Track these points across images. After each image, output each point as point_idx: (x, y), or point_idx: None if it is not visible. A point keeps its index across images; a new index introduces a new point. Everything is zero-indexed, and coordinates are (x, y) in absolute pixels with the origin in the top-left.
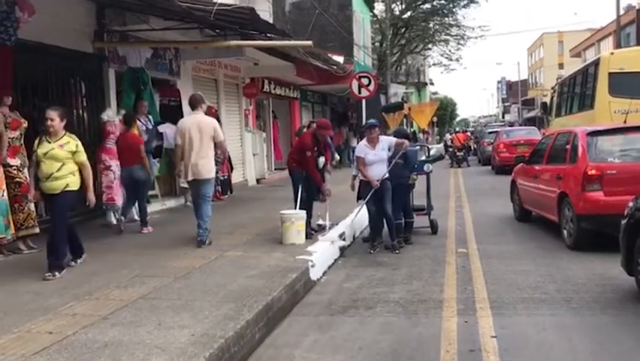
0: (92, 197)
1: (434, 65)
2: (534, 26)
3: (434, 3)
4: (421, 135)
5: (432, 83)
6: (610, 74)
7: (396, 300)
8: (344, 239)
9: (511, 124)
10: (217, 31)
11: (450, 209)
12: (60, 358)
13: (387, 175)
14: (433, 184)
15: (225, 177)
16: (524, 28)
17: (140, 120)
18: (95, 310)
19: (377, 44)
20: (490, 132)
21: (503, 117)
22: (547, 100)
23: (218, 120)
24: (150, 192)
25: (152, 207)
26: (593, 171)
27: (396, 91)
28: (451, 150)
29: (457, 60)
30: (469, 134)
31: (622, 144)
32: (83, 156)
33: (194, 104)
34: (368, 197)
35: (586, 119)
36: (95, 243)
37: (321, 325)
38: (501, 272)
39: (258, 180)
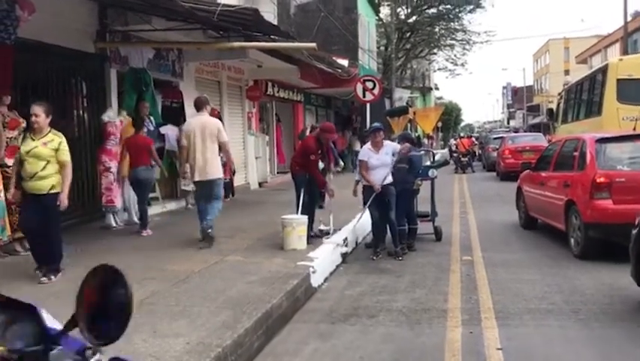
0: (64, 199)
1: (439, 69)
2: (540, 32)
3: (440, 8)
4: (425, 140)
5: (437, 88)
6: (618, 80)
7: (399, 309)
8: (346, 245)
9: (516, 130)
10: (220, 32)
11: (454, 215)
12: None
13: (391, 180)
14: (438, 190)
15: (227, 180)
16: (530, 33)
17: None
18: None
19: (382, 48)
20: (495, 138)
21: (508, 123)
22: (554, 106)
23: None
24: (151, 195)
25: (153, 210)
26: (602, 179)
27: (401, 95)
28: (455, 155)
29: (463, 65)
30: (473, 139)
31: (631, 151)
32: (65, 155)
33: (199, 105)
34: (370, 201)
35: (593, 126)
36: (94, 245)
37: (321, 333)
38: (506, 281)
39: (260, 184)
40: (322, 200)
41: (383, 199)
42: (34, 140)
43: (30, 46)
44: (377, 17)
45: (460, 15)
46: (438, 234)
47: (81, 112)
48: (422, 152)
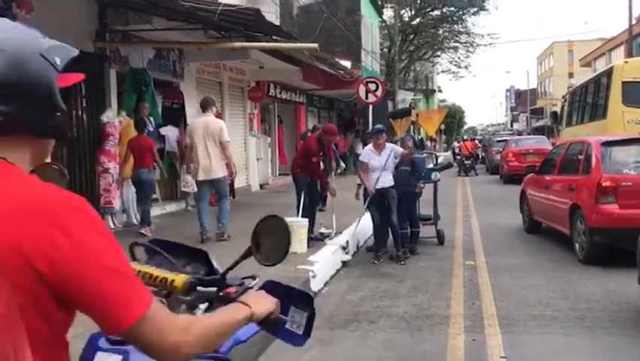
0: None
1: (443, 72)
2: (544, 35)
3: (444, 10)
4: (428, 143)
5: (440, 91)
6: (623, 83)
7: (400, 315)
8: (347, 252)
9: (520, 133)
10: (222, 32)
11: (457, 219)
12: None
13: (392, 183)
14: (440, 193)
15: (229, 181)
16: (534, 36)
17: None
18: (78, 321)
19: (385, 50)
20: (499, 141)
21: (511, 126)
22: (558, 109)
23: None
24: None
25: (153, 212)
26: (608, 183)
27: (404, 97)
28: (458, 158)
29: (466, 67)
30: (477, 142)
31: (637, 154)
32: None
33: (205, 106)
34: (367, 203)
35: (598, 129)
36: None
37: (320, 339)
38: (510, 287)
39: (261, 186)
40: (323, 203)
41: (384, 202)
42: None
43: None
44: (380, 19)
45: (463, 17)
46: (440, 237)
47: (80, 113)
48: (425, 154)
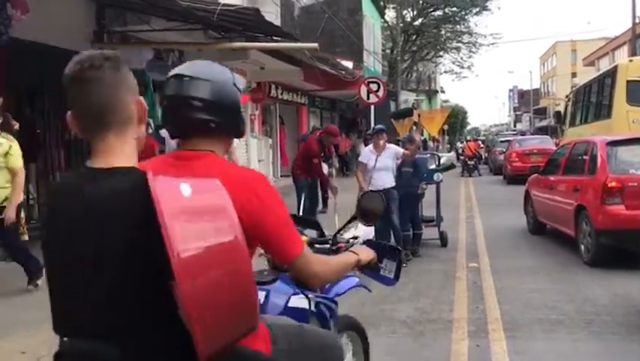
0: (11, 213)
1: (445, 72)
2: (547, 34)
3: (446, 10)
4: (431, 143)
5: (443, 91)
6: (628, 82)
7: (402, 319)
8: None
9: (523, 133)
10: (222, 33)
11: (460, 220)
12: None
13: (393, 184)
14: (443, 194)
15: None
16: (537, 36)
17: None
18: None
19: (388, 51)
20: (502, 141)
21: (515, 126)
22: (561, 109)
23: None
24: None
25: None
26: (614, 183)
27: (407, 98)
28: (462, 158)
29: (469, 68)
30: (480, 143)
31: None
32: (17, 162)
33: None
34: None
35: (602, 129)
36: None
37: None
38: (514, 290)
39: None
40: (324, 205)
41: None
42: None
43: (24, 47)
44: (383, 20)
45: (466, 17)
46: (443, 239)
47: None
48: (428, 155)
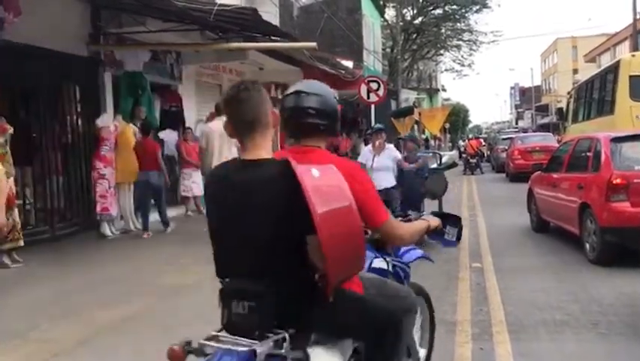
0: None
1: (446, 70)
2: (547, 31)
3: (446, 8)
4: (432, 142)
5: (444, 89)
6: (631, 77)
7: None
8: None
9: (525, 130)
10: (219, 34)
11: (463, 219)
12: None
13: (394, 183)
14: (445, 192)
15: None
16: (537, 33)
17: (136, 126)
18: (70, 334)
19: (388, 50)
20: (504, 139)
21: (516, 124)
22: (563, 106)
23: None
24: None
25: (152, 217)
26: (619, 180)
27: (408, 97)
28: (464, 156)
29: (470, 66)
30: (481, 141)
31: None
32: None
33: (220, 110)
34: None
35: (605, 125)
36: (85, 255)
37: None
38: (518, 290)
39: None
40: None
41: (386, 203)
42: None
43: (19, 49)
44: (382, 19)
45: (466, 15)
46: None
47: (74, 118)
48: (430, 154)
